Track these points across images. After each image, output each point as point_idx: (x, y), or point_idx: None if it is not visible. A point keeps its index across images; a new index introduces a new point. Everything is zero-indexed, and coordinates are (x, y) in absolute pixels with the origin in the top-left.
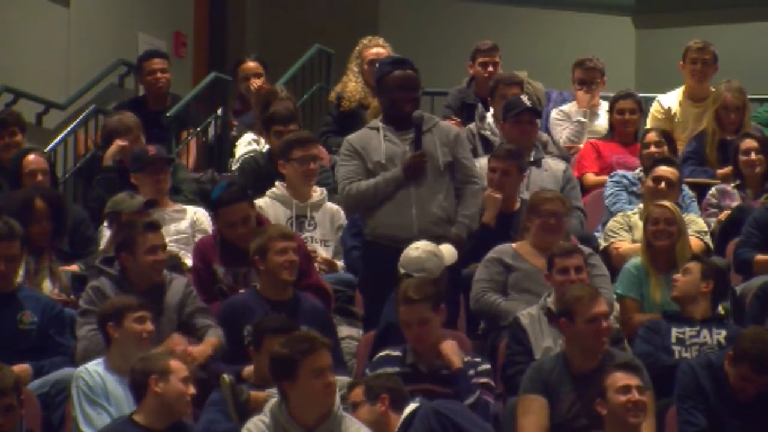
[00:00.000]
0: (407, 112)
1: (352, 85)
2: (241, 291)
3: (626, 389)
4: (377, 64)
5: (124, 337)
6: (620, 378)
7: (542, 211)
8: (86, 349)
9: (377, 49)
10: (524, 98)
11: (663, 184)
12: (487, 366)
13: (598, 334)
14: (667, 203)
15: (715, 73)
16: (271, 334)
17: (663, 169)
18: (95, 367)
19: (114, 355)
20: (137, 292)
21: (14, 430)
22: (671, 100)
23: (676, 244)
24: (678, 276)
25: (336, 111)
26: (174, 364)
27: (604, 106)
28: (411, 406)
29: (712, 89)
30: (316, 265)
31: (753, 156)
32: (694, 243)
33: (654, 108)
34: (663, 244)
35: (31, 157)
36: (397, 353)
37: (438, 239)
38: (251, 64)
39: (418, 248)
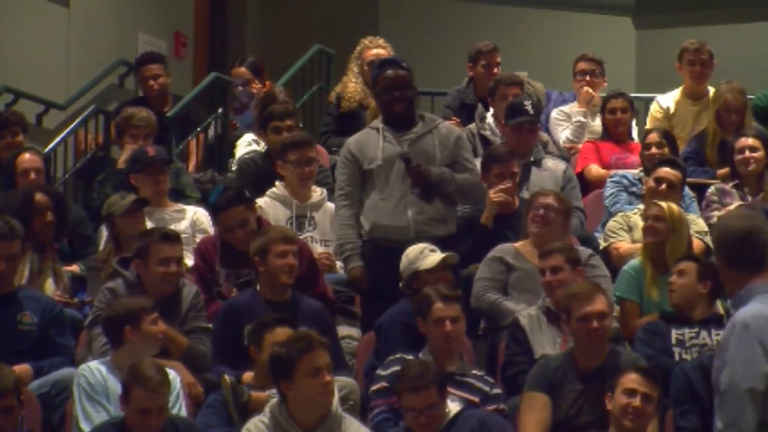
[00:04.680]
0: (398, 112)
1: (351, 86)
2: (242, 291)
3: (631, 393)
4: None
5: (141, 339)
6: (631, 380)
7: (534, 204)
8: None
9: (378, 50)
10: (527, 103)
11: (664, 186)
12: (498, 390)
13: (589, 333)
14: (661, 202)
15: (712, 71)
16: (270, 328)
17: (664, 171)
18: (98, 365)
19: (123, 356)
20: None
21: (14, 431)
22: (669, 100)
23: (666, 243)
24: (674, 279)
25: (336, 111)
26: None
27: None
28: (454, 408)
29: (711, 88)
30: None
31: (747, 154)
32: (695, 243)
33: (653, 108)
34: (649, 241)
35: (26, 155)
36: (410, 357)
37: (435, 240)
38: (240, 70)
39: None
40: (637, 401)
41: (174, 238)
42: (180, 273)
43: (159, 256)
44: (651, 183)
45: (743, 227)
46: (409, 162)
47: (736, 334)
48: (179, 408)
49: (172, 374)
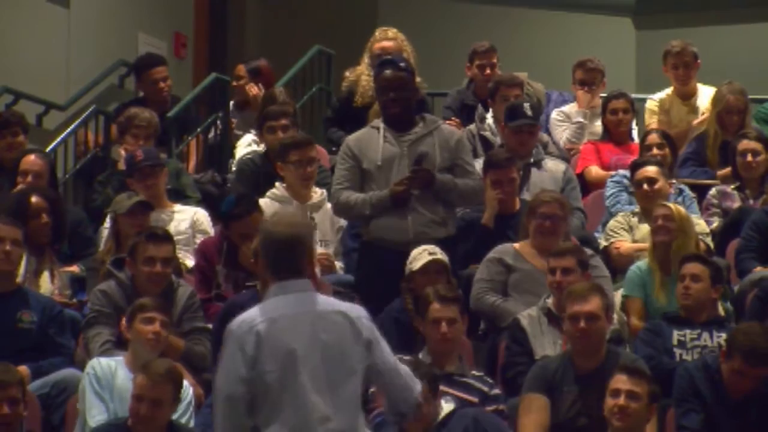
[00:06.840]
0: (393, 113)
1: (365, 80)
2: (243, 292)
3: (616, 393)
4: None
5: (134, 337)
6: (616, 380)
7: (538, 213)
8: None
9: (384, 42)
10: (526, 105)
11: (645, 186)
12: (497, 391)
13: (576, 334)
14: (670, 204)
15: (697, 71)
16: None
17: (639, 172)
18: (109, 361)
19: (129, 355)
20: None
21: (16, 430)
22: (662, 96)
23: (673, 242)
24: (689, 284)
25: (339, 104)
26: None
27: None
28: (447, 407)
29: (700, 86)
30: (315, 261)
31: (749, 158)
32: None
33: (648, 105)
34: (661, 240)
35: (30, 157)
36: (408, 358)
37: (435, 242)
38: (239, 67)
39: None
40: (621, 400)
41: (161, 238)
42: (166, 274)
43: (144, 255)
44: (635, 187)
45: (285, 235)
46: (420, 161)
47: (226, 339)
48: (189, 418)
49: (185, 384)
